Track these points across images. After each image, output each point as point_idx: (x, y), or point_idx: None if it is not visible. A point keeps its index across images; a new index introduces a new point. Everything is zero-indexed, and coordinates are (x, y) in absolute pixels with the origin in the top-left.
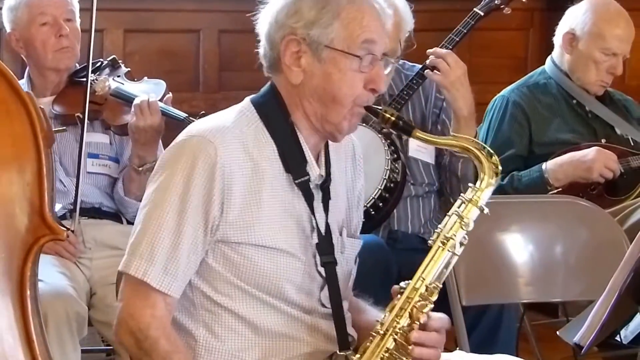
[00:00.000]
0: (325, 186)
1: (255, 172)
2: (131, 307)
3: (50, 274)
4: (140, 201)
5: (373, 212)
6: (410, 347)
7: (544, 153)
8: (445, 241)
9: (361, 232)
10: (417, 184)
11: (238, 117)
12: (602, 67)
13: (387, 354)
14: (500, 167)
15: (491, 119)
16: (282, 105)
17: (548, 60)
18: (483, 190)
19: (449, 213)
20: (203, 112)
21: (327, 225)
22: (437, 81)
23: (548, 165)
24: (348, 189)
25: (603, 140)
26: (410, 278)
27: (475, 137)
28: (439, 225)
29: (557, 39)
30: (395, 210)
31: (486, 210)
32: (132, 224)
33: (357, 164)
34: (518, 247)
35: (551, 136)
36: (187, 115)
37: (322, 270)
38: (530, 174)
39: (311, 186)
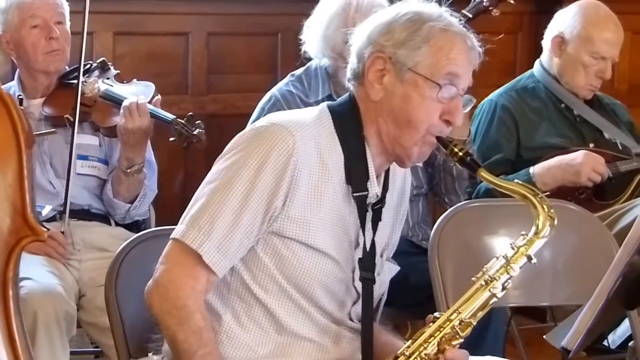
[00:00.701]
0: (377, 207)
1: (322, 174)
2: (174, 273)
3: (40, 273)
4: (129, 203)
5: None
6: None
7: (532, 157)
8: (488, 281)
9: None
10: None
11: (316, 118)
12: (590, 71)
13: None
14: (556, 221)
15: (479, 122)
16: (357, 118)
17: (536, 63)
18: (534, 241)
19: (497, 255)
20: (191, 113)
21: (373, 244)
22: None
23: (536, 169)
24: (394, 212)
25: (591, 145)
26: (397, 281)
27: (468, 137)
28: (486, 265)
29: (546, 43)
30: None
31: (534, 260)
32: (121, 225)
33: (406, 189)
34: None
35: (539, 140)
36: (175, 117)
37: (358, 285)
38: (517, 177)
39: (367, 202)
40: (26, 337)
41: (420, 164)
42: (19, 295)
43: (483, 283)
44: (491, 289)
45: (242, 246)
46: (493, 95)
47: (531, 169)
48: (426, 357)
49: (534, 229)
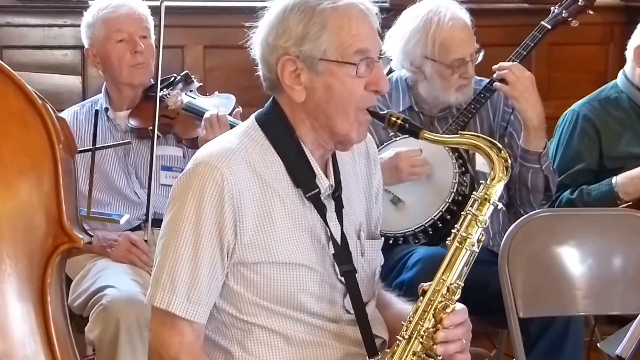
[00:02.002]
0: (336, 195)
1: (265, 191)
2: (160, 336)
3: (123, 281)
4: None
5: (441, 225)
6: (435, 347)
7: (615, 167)
8: (462, 240)
9: (429, 244)
10: None
11: (243, 137)
12: None
13: (414, 357)
14: (509, 161)
15: (561, 132)
16: (285, 122)
17: (620, 74)
18: (495, 186)
19: (463, 212)
20: None
21: (343, 234)
22: (506, 92)
23: (618, 179)
24: (364, 188)
25: None
26: (477, 289)
27: (544, 149)
28: (455, 225)
29: (629, 53)
30: None
31: (500, 206)
32: None
33: (372, 161)
34: (576, 259)
35: (622, 150)
36: None
37: (342, 278)
38: (599, 187)
39: (322, 197)
40: (72, 346)
41: None
42: (103, 304)
43: (458, 244)
44: (467, 247)
45: (212, 288)
46: (575, 105)
47: (614, 179)
48: (426, 333)
49: (490, 176)
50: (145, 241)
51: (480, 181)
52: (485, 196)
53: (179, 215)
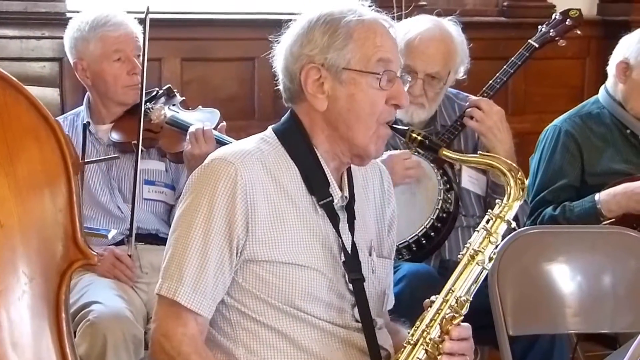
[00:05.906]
0: (349, 207)
1: (279, 193)
2: (164, 326)
3: (109, 297)
4: None
5: (424, 241)
6: (439, 357)
7: (596, 183)
8: (474, 255)
9: (413, 261)
10: (469, 215)
11: (260, 142)
12: None
13: None
14: (526, 183)
15: (543, 148)
16: (303, 132)
17: (601, 89)
18: (511, 206)
19: (478, 229)
20: None
21: (354, 245)
22: (474, 128)
23: (601, 196)
24: (377, 214)
25: None
26: None
27: None
28: (469, 240)
29: (611, 69)
30: (446, 240)
31: (514, 224)
32: None
33: (386, 191)
34: (566, 277)
35: (604, 166)
36: None
37: (351, 287)
38: (582, 204)
39: (336, 208)
40: (76, 357)
41: (483, 194)
42: (90, 320)
43: (469, 258)
44: (479, 263)
45: (218, 282)
46: (557, 121)
47: (596, 196)
48: (431, 342)
49: (507, 195)
50: (129, 256)
51: (497, 200)
52: (501, 215)
53: (192, 208)
